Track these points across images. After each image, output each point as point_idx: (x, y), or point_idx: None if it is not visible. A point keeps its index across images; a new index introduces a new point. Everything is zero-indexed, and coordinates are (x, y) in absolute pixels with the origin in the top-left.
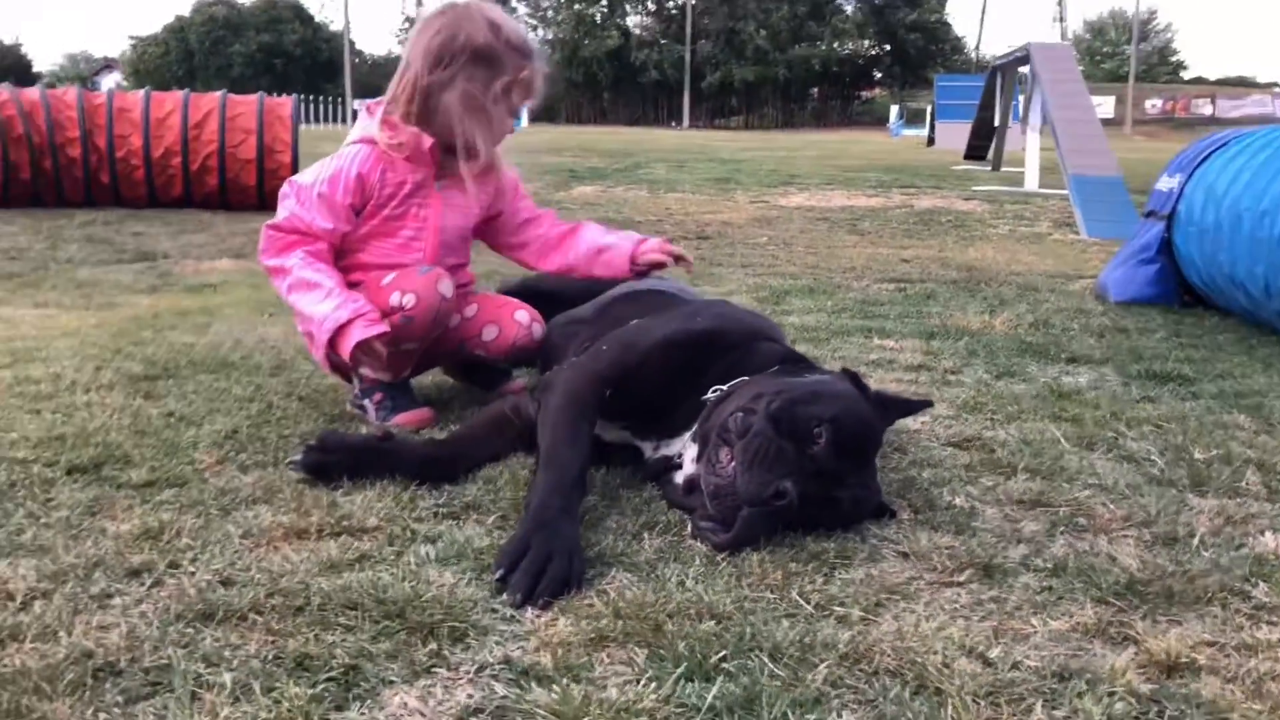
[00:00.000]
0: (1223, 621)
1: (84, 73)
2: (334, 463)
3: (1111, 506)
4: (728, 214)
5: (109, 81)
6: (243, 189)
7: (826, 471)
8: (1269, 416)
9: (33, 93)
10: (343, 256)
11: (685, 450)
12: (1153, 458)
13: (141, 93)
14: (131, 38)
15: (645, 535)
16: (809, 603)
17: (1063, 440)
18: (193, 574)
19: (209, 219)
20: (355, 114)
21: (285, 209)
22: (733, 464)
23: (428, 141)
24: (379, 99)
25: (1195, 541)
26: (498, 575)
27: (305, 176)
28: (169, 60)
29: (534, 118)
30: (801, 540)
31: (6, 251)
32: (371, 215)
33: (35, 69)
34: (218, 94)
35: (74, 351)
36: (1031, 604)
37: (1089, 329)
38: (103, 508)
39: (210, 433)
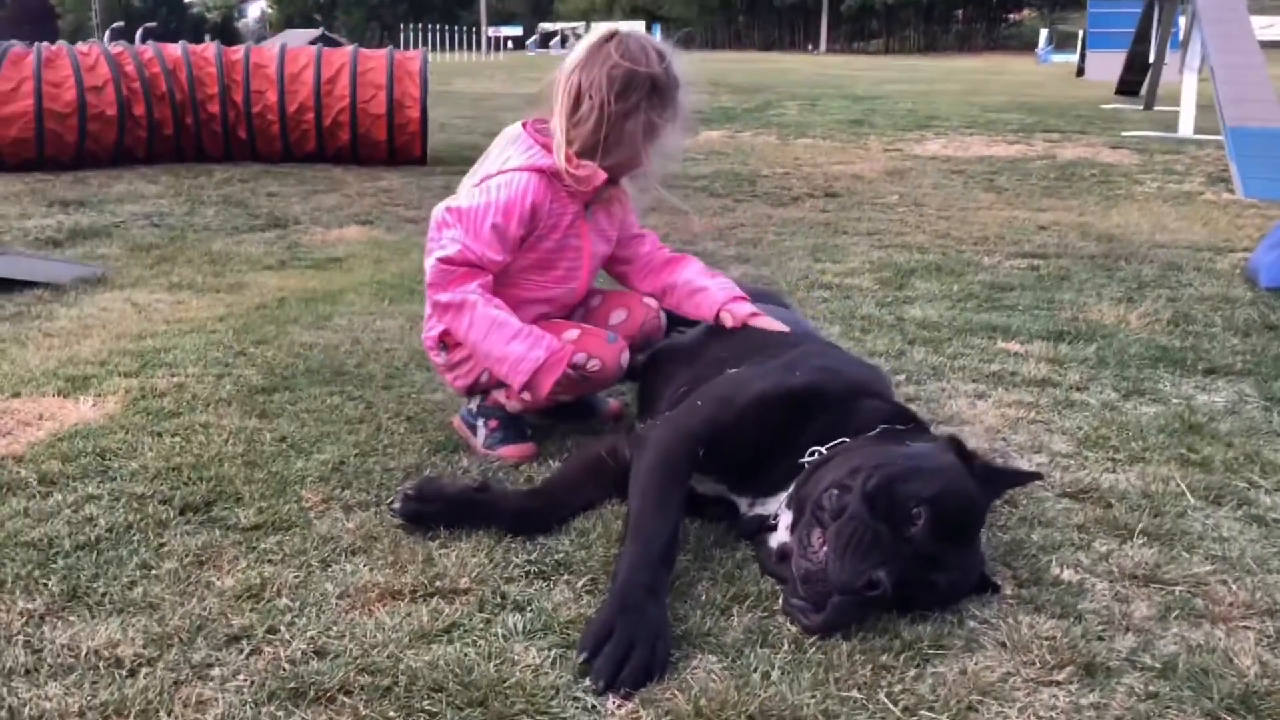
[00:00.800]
0: None
1: (232, 1)
2: (431, 513)
3: (1234, 587)
4: (859, 165)
5: (254, 9)
6: (373, 144)
7: (924, 554)
8: None
9: (175, 49)
10: (496, 290)
11: (780, 514)
12: None
13: (276, 48)
14: None
15: (734, 609)
16: (896, 704)
17: (1188, 493)
18: (289, 641)
19: (340, 176)
20: (491, 41)
21: (452, 239)
22: (824, 548)
23: (601, 177)
24: (537, 119)
25: None
26: (581, 659)
27: (471, 203)
28: None
29: None
30: (895, 625)
31: (150, 216)
32: (532, 248)
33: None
34: (349, 49)
35: (198, 354)
36: (1134, 715)
37: (1233, 325)
38: (210, 557)
39: (318, 464)
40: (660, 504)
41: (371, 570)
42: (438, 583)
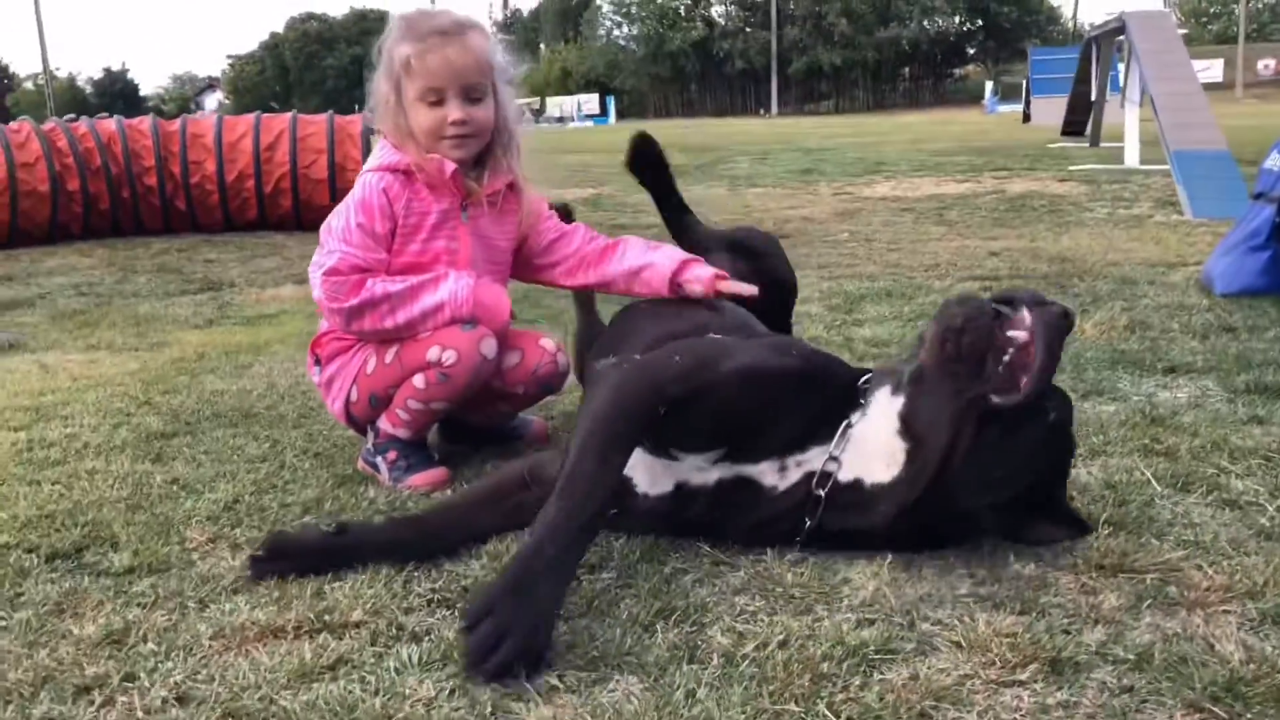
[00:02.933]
0: None
1: (188, 93)
2: (287, 569)
3: (1210, 571)
4: (809, 208)
5: (211, 101)
6: (317, 209)
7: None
8: None
9: (109, 124)
10: None
11: (837, 450)
12: (1261, 502)
13: (214, 117)
14: (229, 57)
15: (658, 626)
16: (839, 715)
17: (1154, 481)
18: (148, 689)
19: (282, 241)
20: None
21: (330, 252)
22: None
23: (450, 168)
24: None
25: None
26: (461, 626)
27: (335, 218)
28: (266, 77)
29: (621, 114)
30: (838, 631)
31: (78, 286)
32: (400, 250)
33: (142, 92)
34: (288, 115)
35: (99, 406)
36: (1108, 712)
37: (1191, 329)
38: (71, 604)
39: (209, 503)
40: (603, 456)
41: (252, 608)
42: (326, 617)
